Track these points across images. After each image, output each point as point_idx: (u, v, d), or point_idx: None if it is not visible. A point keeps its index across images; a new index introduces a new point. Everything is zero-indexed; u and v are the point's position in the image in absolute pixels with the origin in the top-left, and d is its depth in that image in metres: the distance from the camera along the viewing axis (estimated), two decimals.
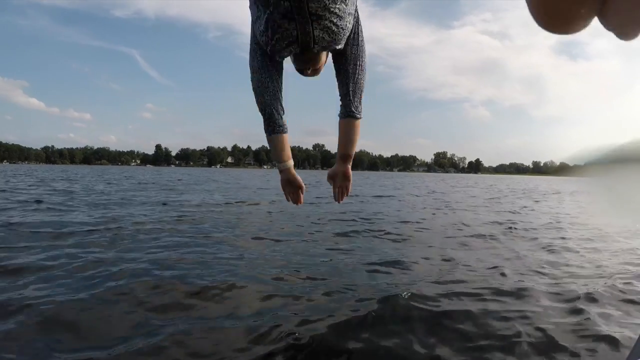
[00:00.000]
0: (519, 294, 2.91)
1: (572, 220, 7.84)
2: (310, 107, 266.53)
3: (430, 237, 5.39)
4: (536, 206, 11.16)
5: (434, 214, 8.36)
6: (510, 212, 9.12)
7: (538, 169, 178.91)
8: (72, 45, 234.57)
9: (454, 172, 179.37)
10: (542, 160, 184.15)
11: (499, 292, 2.92)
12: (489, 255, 4.28)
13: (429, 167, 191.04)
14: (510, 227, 6.33)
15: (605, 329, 2.34)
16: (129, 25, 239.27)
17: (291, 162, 1.54)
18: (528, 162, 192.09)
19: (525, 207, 10.72)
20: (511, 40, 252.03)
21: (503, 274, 3.44)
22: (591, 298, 2.86)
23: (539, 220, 7.55)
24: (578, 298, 2.85)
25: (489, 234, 5.67)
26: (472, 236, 5.47)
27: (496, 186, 27.85)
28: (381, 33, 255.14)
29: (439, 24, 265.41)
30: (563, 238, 5.53)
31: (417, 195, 14.52)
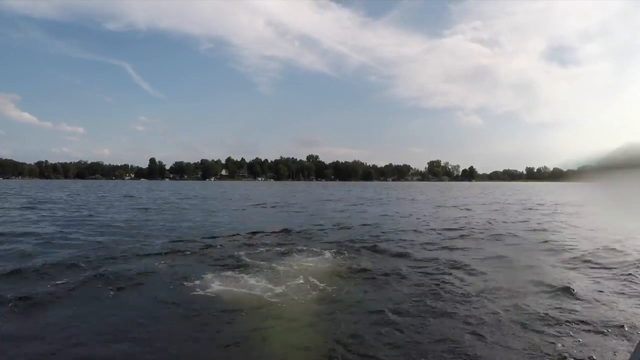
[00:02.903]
0: None
1: None
2: (301, 118, 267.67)
3: None
4: None
5: None
6: None
7: (532, 175, 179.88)
8: (64, 58, 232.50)
9: (448, 180, 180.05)
10: (536, 166, 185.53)
11: None
12: None
13: (423, 176, 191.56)
14: None
15: None
16: (121, 38, 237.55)
17: None
18: (521, 169, 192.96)
19: None
20: (501, 47, 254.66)
21: None
22: None
23: None
24: None
25: None
26: None
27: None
28: (372, 43, 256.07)
29: (429, 33, 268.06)
30: None
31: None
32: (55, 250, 7.17)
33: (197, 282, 5.08)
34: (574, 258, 6.79)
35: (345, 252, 7.13)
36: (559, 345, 3.24)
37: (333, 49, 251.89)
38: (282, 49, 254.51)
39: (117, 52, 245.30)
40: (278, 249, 7.44)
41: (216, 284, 5.00)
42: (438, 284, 5.03)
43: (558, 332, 3.53)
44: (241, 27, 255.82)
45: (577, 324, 3.70)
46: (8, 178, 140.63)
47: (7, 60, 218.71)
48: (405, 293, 4.68)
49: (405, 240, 8.75)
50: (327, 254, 6.90)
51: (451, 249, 7.64)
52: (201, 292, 4.66)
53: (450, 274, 5.54)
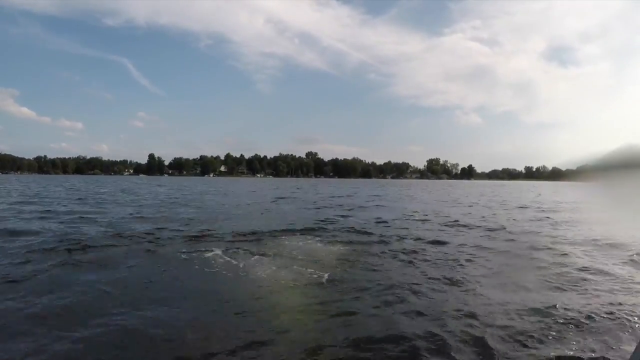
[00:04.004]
0: None
1: None
2: (300, 115, 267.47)
3: None
4: None
5: None
6: None
7: (530, 174, 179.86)
8: (63, 53, 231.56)
9: (447, 178, 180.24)
10: (535, 165, 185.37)
11: None
12: None
13: (422, 174, 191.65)
14: None
15: None
16: (120, 34, 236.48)
17: None
18: (520, 168, 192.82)
19: None
20: (501, 46, 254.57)
21: None
22: None
23: None
24: None
25: None
26: None
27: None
28: (372, 41, 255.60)
29: (429, 31, 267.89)
30: None
31: None
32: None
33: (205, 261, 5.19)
34: None
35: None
36: (560, 342, 3.29)
37: (332, 46, 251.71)
38: (281, 46, 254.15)
39: (117, 48, 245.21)
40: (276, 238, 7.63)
41: (213, 268, 5.20)
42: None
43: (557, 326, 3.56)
44: (241, 24, 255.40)
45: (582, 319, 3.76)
46: (7, 173, 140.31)
47: (6, 56, 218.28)
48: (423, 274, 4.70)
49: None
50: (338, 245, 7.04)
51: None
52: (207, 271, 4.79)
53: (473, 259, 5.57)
